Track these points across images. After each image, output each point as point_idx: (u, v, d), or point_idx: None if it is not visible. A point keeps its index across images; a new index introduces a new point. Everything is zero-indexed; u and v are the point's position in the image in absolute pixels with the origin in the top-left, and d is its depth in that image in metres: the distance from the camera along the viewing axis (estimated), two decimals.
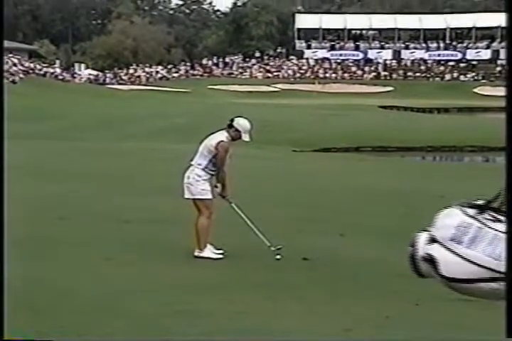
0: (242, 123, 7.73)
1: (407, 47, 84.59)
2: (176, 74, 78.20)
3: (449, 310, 6.05)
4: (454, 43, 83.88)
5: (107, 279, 6.70)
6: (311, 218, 10.55)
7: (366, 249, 8.58)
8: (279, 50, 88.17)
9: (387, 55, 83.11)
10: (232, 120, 7.76)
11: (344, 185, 14.67)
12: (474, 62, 79.56)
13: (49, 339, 4.81)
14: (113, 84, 69.25)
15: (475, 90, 70.53)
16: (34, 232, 8.53)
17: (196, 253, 7.76)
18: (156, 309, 5.79)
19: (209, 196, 7.72)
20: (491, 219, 1.65)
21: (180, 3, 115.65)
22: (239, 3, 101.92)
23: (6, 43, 55.40)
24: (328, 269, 7.48)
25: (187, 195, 7.77)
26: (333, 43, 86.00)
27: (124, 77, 74.82)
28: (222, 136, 7.71)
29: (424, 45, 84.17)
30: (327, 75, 78.65)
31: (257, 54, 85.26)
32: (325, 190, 13.87)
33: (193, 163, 7.77)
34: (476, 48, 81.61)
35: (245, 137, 7.74)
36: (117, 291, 6.27)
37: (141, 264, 7.39)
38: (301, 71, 79.97)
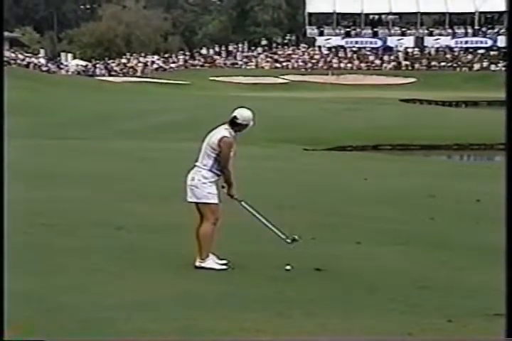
0: (246, 116, 7.80)
1: (431, 34, 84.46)
2: (173, 65, 78.30)
3: (487, 328, 6.00)
4: (484, 29, 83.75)
5: (95, 293, 6.71)
6: (325, 224, 10.58)
7: (386, 259, 8.60)
8: (288, 38, 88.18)
9: (408, 42, 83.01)
10: (235, 117, 7.79)
11: (361, 188, 14.70)
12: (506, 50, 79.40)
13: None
14: (104, 75, 69.42)
15: None
16: (14, 240, 8.55)
17: (197, 264, 7.79)
18: (152, 326, 5.82)
19: (215, 200, 7.74)
20: None
21: None
22: None
23: None
24: (343, 281, 7.50)
25: (191, 199, 7.79)
26: (348, 29, 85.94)
27: (115, 68, 74.99)
28: (225, 131, 7.76)
29: (450, 31, 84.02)
30: (342, 65, 78.59)
31: (264, 42, 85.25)
32: (340, 193, 13.90)
33: (197, 163, 7.80)
34: None
35: (250, 125, 7.92)
36: (108, 307, 6.29)
37: (136, 276, 7.41)
38: (313, 61, 79.95)
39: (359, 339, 5.52)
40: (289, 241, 7.97)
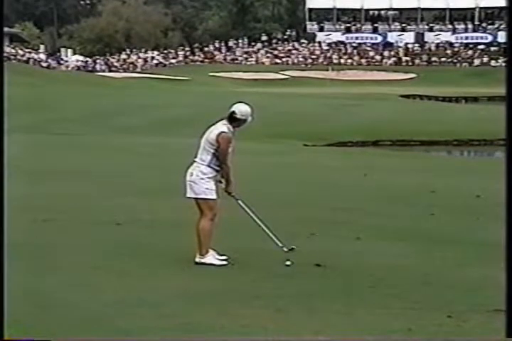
0: (245, 110, 7.82)
1: (431, 29, 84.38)
2: (173, 60, 78.24)
3: (487, 323, 6.00)
4: (484, 24, 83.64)
5: (95, 290, 6.71)
6: (325, 220, 10.57)
7: (386, 255, 8.59)
8: (288, 33, 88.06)
9: (408, 38, 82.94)
10: (233, 112, 7.80)
11: (361, 183, 14.69)
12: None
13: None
14: (104, 71, 69.37)
15: None
16: (14, 237, 8.54)
17: (197, 260, 7.79)
18: (152, 322, 5.82)
19: (214, 196, 7.76)
20: None
21: None
22: None
23: None
24: (344, 277, 7.50)
25: (189, 194, 7.81)
26: (348, 25, 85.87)
27: (116, 64, 74.91)
28: (224, 126, 7.77)
29: (450, 26, 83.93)
30: (342, 61, 78.51)
31: (264, 37, 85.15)
32: (340, 189, 13.89)
33: (196, 159, 7.81)
34: None
35: (249, 121, 7.91)
36: (108, 303, 6.28)
37: (136, 272, 7.41)
38: (313, 56, 79.86)
39: (360, 338, 5.50)
40: (286, 249, 7.87)
